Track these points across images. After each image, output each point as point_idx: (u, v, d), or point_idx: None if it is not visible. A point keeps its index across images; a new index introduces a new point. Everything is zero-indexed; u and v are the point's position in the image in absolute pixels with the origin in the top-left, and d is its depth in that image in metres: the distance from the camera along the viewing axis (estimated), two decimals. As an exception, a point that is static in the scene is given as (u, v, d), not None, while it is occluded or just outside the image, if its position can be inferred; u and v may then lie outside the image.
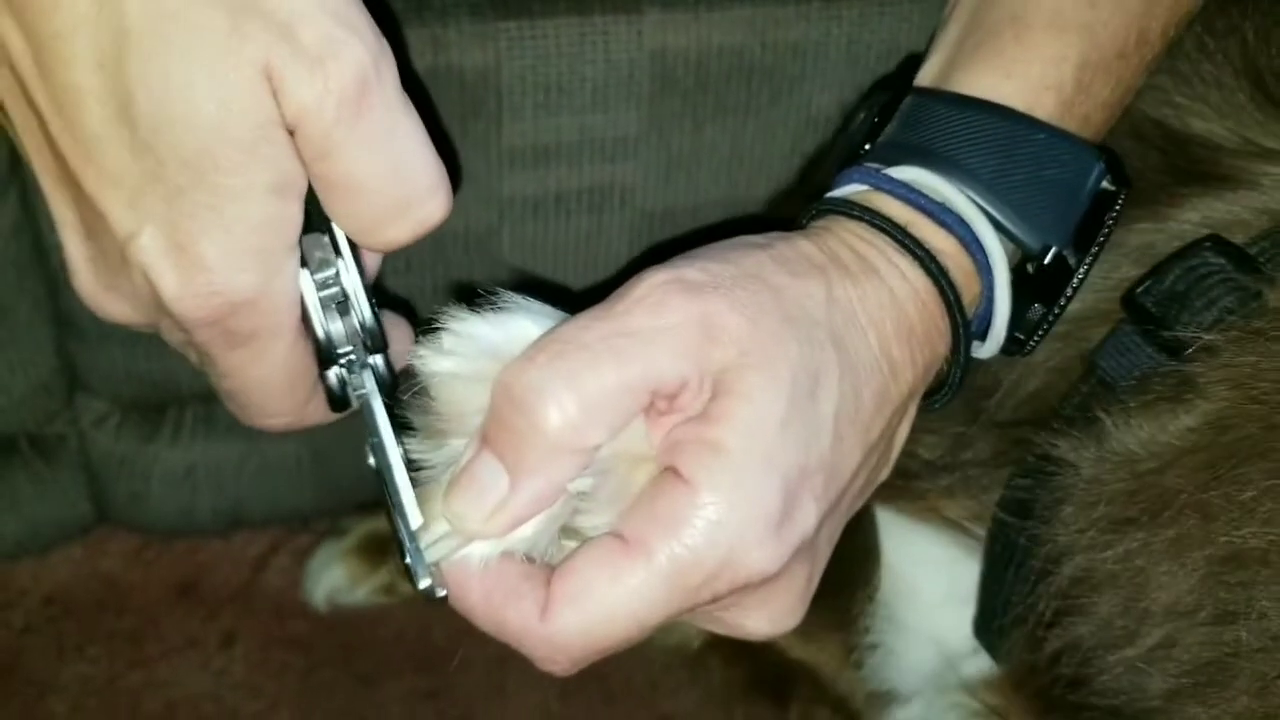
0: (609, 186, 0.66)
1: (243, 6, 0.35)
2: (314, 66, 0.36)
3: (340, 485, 0.80)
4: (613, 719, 0.82)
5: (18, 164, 0.61)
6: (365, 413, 0.41)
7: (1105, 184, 0.45)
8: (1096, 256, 0.44)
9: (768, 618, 0.40)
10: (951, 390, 0.45)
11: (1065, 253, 0.44)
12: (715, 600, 0.38)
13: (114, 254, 0.39)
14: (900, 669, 0.58)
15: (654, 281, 0.38)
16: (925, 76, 0.47)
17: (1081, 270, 0.44)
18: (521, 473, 0.37)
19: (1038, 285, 0.45)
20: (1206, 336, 0.45)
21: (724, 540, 0.37)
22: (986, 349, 0.46)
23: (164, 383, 0.71)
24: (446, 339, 0.39)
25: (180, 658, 0.80)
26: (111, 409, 0.74)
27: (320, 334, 0.40)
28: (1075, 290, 0.45)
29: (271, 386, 0.42)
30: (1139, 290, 0.47)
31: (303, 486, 0.79)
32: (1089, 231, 0.44)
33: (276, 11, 0.36)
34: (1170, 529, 0.43)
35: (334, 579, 0.83)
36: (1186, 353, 0.45)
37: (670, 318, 0.37)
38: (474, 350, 0.39)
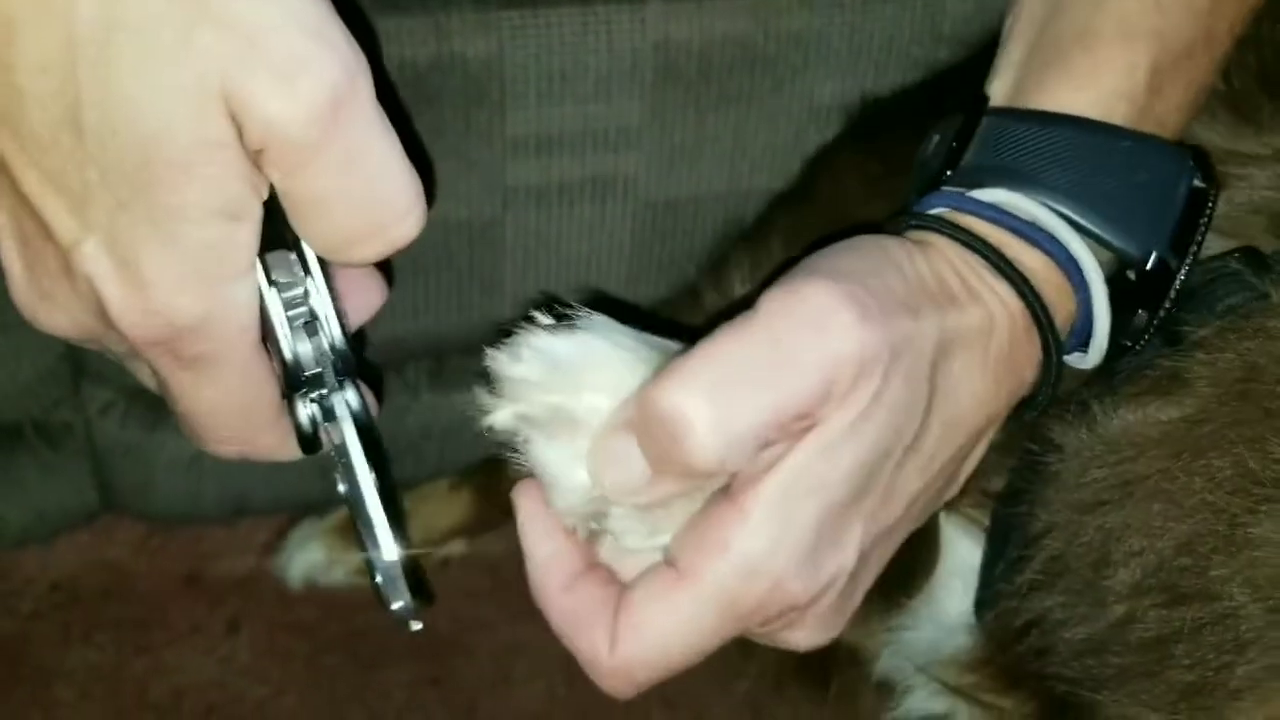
0: (612, 176, 0.66)
1: (199, 18, 0.33)
2: (281, 83, 0.34)
3: (344, 473, 0.80)
4: (615, 708, 0.82)
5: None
6: (337, 436, 0.40)
7: (1196, 182, 0.45)
8: (1195, 256, 0.44)
9: (809, 633, 0.41)
10: (1040, 406, 0.45)
11: (1166, 256, 0.43)
12: (766, 624, 0.40)
13: (54, 262, 0.37)
14: (907, 653, 0.59)
15: (822, 300, 0.37)
16: (996, 98, 0.47)
17: (1183, 272, 0.44)
18: (660, 474, 0.38)
19: (1140, 291, 0.44)
20: (1200, 331, 0.45)
21: (772, 569, 0.38)
22: (1090, 359, 0.46)
23: (169, 371, 0.71)
24: (523, 349, 0.39)
25: (186, 644, 0.81)
26: (117, 396, 0.75)
27: (288, 355, 0.38)
28: (1178, 294, 0.44)
29: (223, 412, 0.40)
30: None
31: (308, 474, 0.80)
32: (1185, 232, 0.44)
33: (239, 24, 0.34)
34: (1137, 512, 0.44)
35: (311, 557, 0.84)
36: (1180, 346, 0.45)
37: (835, 345, 0.37)
38: (547, 363, 0.39)
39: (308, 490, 0.81)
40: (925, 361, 0.39)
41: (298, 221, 0.37)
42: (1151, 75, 0.45)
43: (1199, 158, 0.45)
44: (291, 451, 0.42)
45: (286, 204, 0.37)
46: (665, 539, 0.40)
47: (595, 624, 0.39)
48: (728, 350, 0.37)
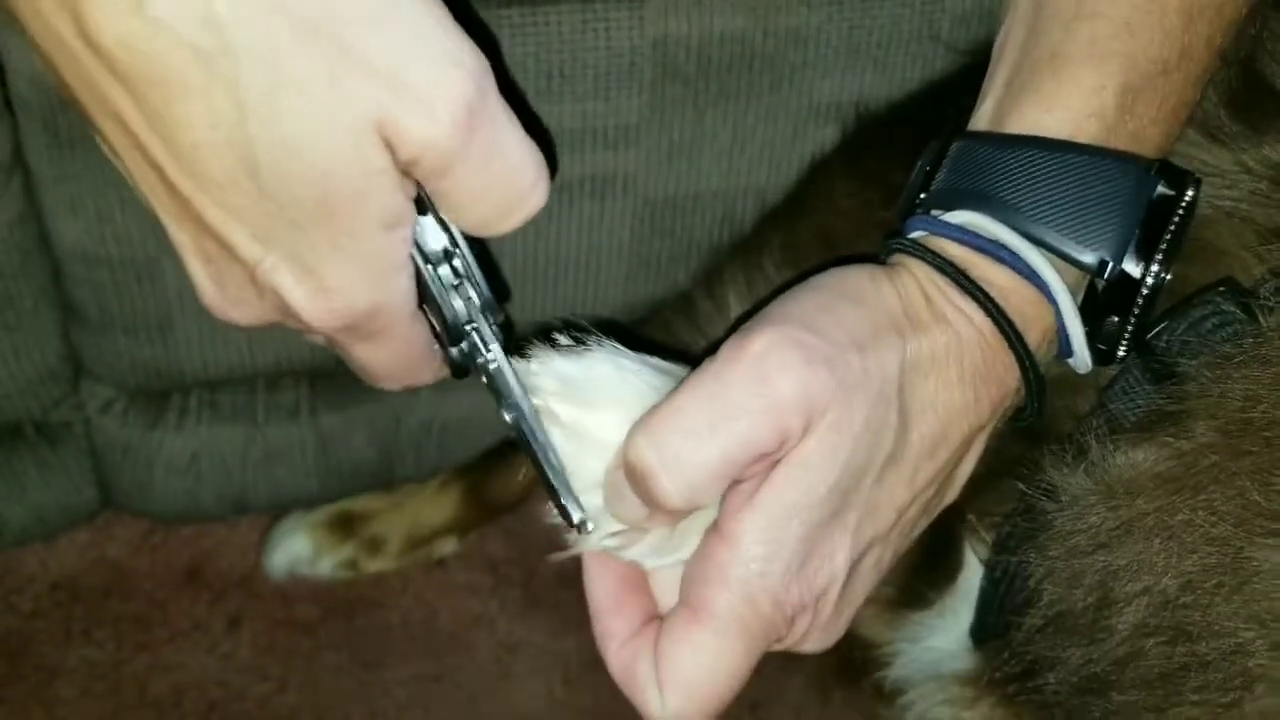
0: (611, 173, 0.66)
1: (346, 66, 0.37)
2: (423, 109, 0.38)
3: (344, 470, 0.80)
4: (615, 705, 0.82)
5: (21, 153, 0.61)
6: (497, 378, 0.45)
7: (1162, 190, 0.46)
8: (1166, 261, 0.46)
9: (816, 637, 0.45)
10: (1032, 412, 0.47)
11: (1125, 264, 0.45)
12: (781, 639, 0.44)
13: (240, 274, 0.41)
14: (917, 663, 0.60)
15: (760, 350, 0.42)
16: (980, 118, 0.49)
17: (1150, 278, 0.46)
18: (654, 513, 0.43)
19: (1110, 299, 0.47)
20: (1193, 365, 0.46)
21: (770, 588, 0.42)
22: (1079, 364, 0.48)
23: (168, 369, 0.71)
24: (532, 366, 0.45)
25: (187, 642, 0.81)
26: (116, 395, 0.75)
27: (449, 316, 0.44)
28: (1149, 297, 0.46)
29: (393, 365, 0.46)
30: (1152, 335, 0.48)
31: (307, 472, 0.80)
32: (1151, 240, 0.46)
33: (380, 65, 0.37)
34: (1138, 551, 0.46)
35: (297, 548, 0.84)
36: (1174, 382, 0.47)
37: (775, 393, 0.41)
38: (553, 384, 0.45)
39: (306, 488, 0.81)
40: (890, 385, 0.43)
41: (445, 208, 0.42)
42: (1121, 95, 0.46)
43: (1170, 168, 0.47)
44: (444, 375, 0.48)
45: (436, 198, 0.41)
46: (685, 554, 0.44)
47: (645, 677, 0.44)
48: (683, 403, 0.42)
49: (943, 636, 0.58)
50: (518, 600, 0.86)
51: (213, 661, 0.80)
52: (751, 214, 0.70)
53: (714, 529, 0.43)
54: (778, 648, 0.45)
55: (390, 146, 0.39)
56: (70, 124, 0.60)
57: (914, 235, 0.47)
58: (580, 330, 0.46)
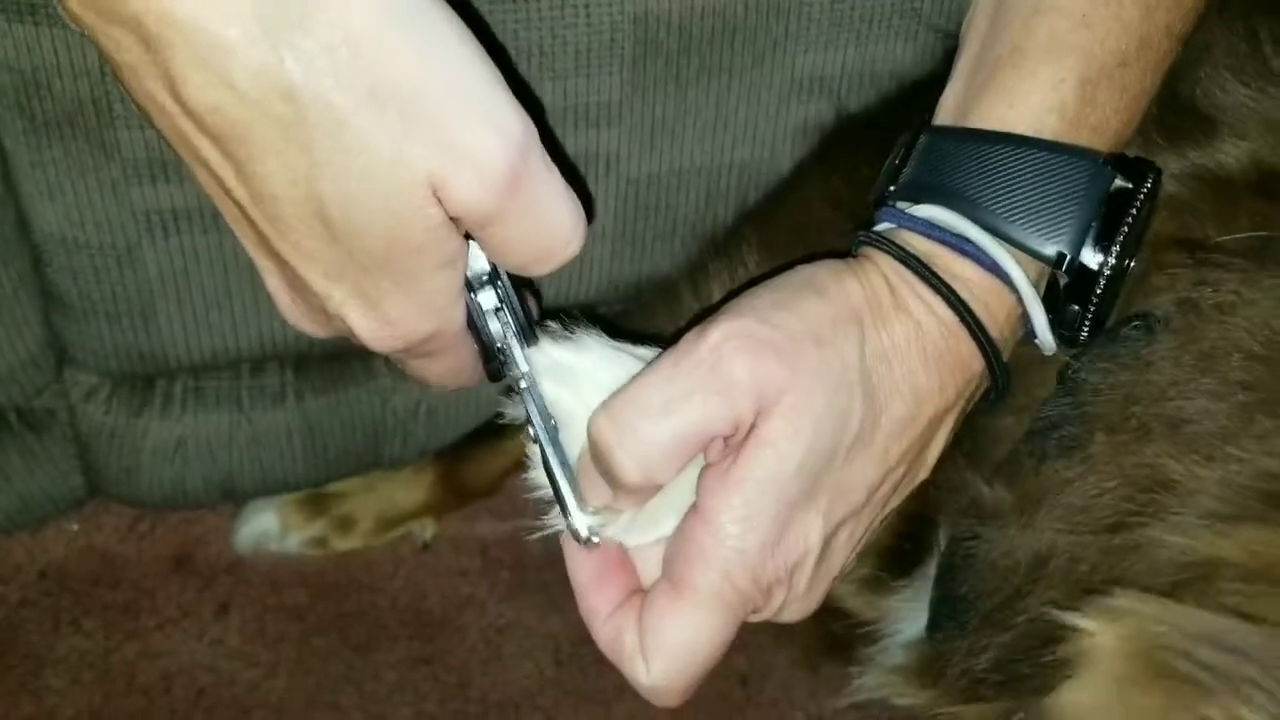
0: (593, 152, 0.66)
1: (409, 134, 0.41)
2: (473, 171, 0.42)
3: (330, 455, 0.80)
4: (605, 684, 0.83)
5: (-2, 139, 0.61)
6: (523, 398, 0.50)
7: (1119, 183, 0.48)
8: (1124, 252, 0.48)
9: (793, 608, 0.48)
10: (997, 395, 0.50)
11: (1083, 255, 0.48)
12: (758, 610, 0.47)
13: (313, 300, 0.46)
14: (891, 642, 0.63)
15: (718, 338, 0.45)
16: (944, 110, 0.51)
17: (1107, 269, 0.48)
18: (617, 490, 0.47)
19: (1070, 287, 0.49)
20: (1091, 378, 0.51)
21: (747, 563, 0.45)
22: (1044, 347, 0.50)
23: (151, 355, 0.71)
24: (529, 351, 0.49)
25: (176, 629, 0.81)
26: (101, 382, 0.74)
27: (485, 339, 0.49)
28: (1107, 286, 0.49)
29: (445, 375, 0.51)
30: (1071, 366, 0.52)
31: (293, 457, 0.80)
32: (1108, 231, 0.48)
33: (433, 129, 0.41)
34: (1047, 571, 0.50)
35: (265, 524, 0.85)
36: (1078, 397, 0.51)
37: (727, 377, 0.45)
38: (546, 367, 0.49)
39: (293, 474, 0.81)
40: (852, 372, 0.46)
41: (489, 252, 0.46)
42: (1080, 88, 0.48)
43: (1128, 162, 0.49)
44: (481, 381, 0.53)
45: (481, 244, 0.46)
46: (664, 531, 0.47)
47: (631, 647, 0.46)
48: (641, 385, 0.46)
49: (911, 621, 0.60)
50: (507, 582, 0.86)
51: (202, 648, 0.80)
52: (735, 190, 0.70)
53: (693, 509, 0.46)
54: (756, 618, 0.47)
55: (441, 201, 0.42)
56: (47, 109, 0.59)
57: (882, 227, 0.49)
58: (572, 318, 0.50)
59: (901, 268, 0.48)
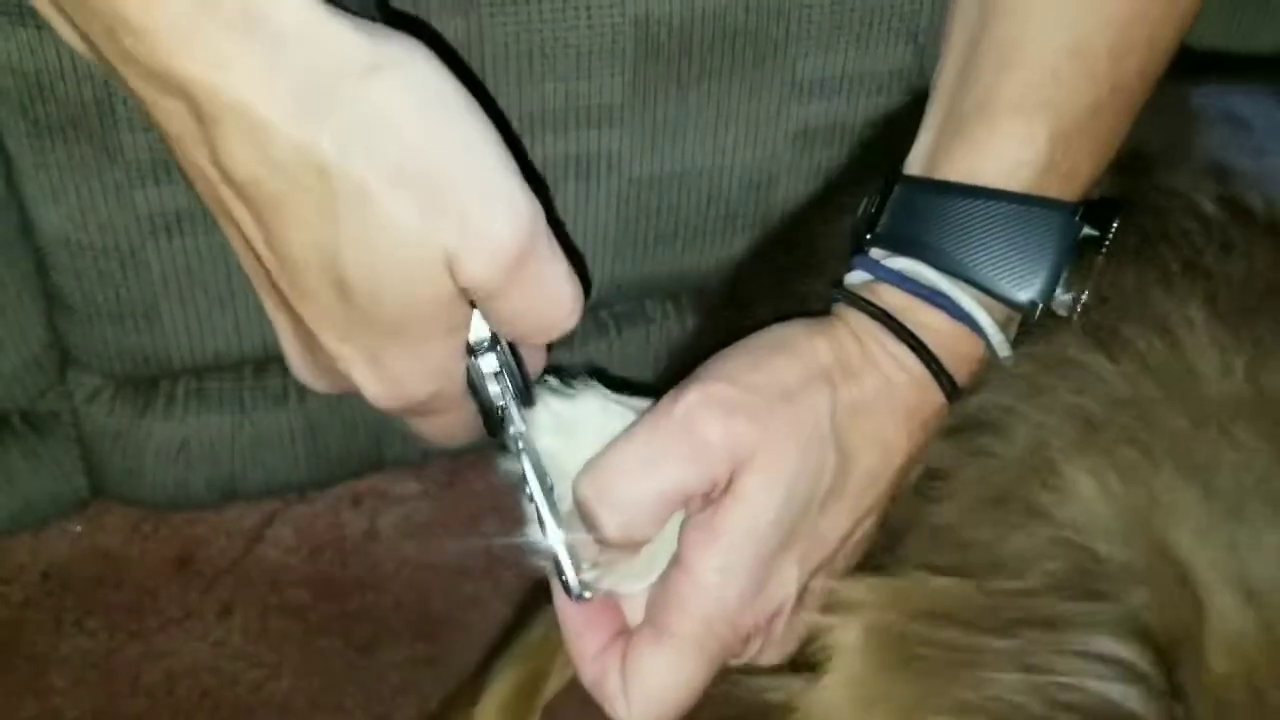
0: (595, 153, 0.66)
1: (428, 209, 0.43)
2: (482, 247, 0.44)
3: (332, 455, 0.80)
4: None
5: (1, 140, 0.61)
6: (523, 459, 0.51)
7: (1087, 231, 0.50)
8: (1084, 294, 0.50)
9: (771, 653, 0.50)
10: None
11: (1053, 302, 0.50)
12: (734, 655, 0.49)
13: (324, 357, 0.48)
14: None
15: (691, 403, 0.48)
16: (914, 160, 0.53)
17: (1076, 313, 0.50)
18: (602, 546, 0.49)
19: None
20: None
21: (725, 613, 0.47)
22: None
23: (154, 357, 0.71)
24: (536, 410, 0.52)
25: (179, 629, 0.80)
26: (104, 384, 0.74)
27: (484, 401, 0.51)
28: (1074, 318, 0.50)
29: (446, 434, 0.53)
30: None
31: (296, 457, 0.80)
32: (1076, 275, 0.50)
33: (451, 207, 0.44)
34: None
35: None
36: None
37: (701, 439, 0.47)
38: (547, 420, 0.51)
39: (296, 474, 0.81)
40: (823, 428, 0.48)
41: (492, 322, 0.49)
42: (1052, 141, 0.50)
43: (1094, 210, 0.50)
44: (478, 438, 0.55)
45: (484, 314, 0.48)
46: (650, 580, 0.50)
47: (615, 686, 0.49)
48: (622, 447, 0.48)
49: None
50: (512, 581, 0.86)
51: (205, 649, 0.80)
52: (737, 191, 0.70)
53: (675, 559, 0.48)
54: (735, 663, 0.50)
55: (451, 274, 0.45)
56: (50, 112, 0.59)
57: (858, 278, 0.52)
58: (571, 374, 0.53)
59: (873, 324, 0.50)
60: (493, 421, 0.52)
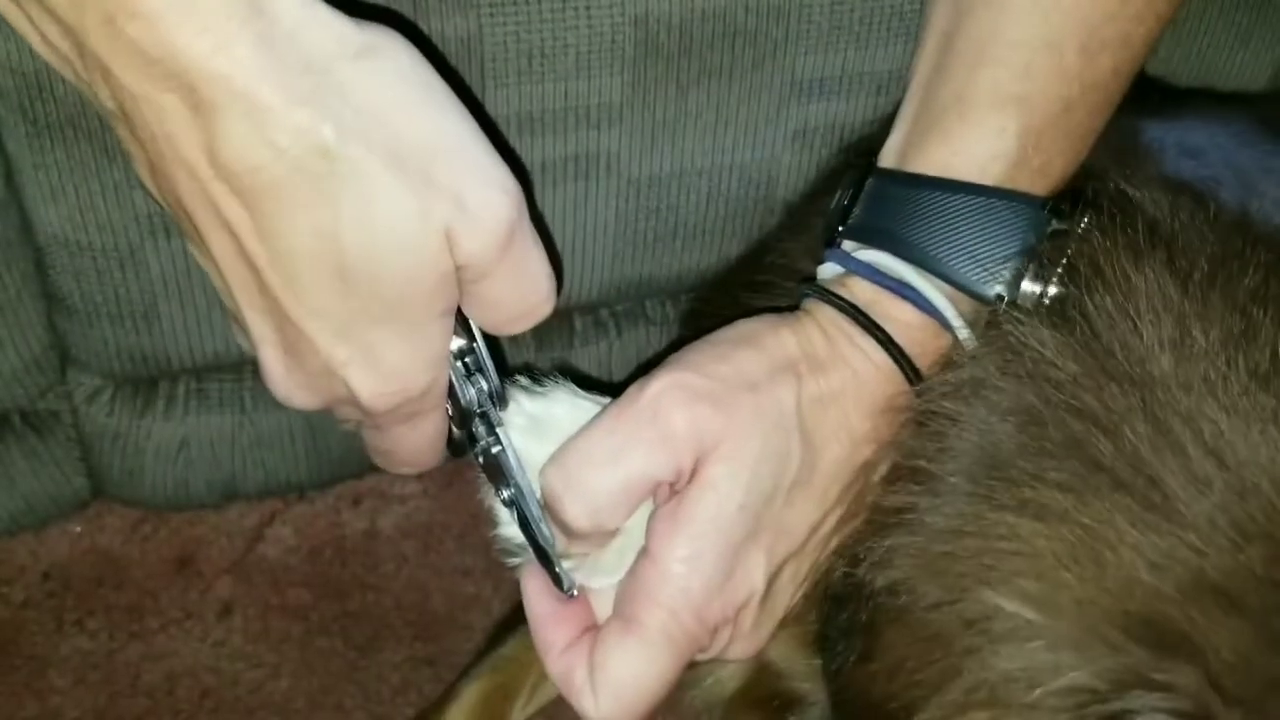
0: (594, 153, 0.66)
1: (428, 184, 0.44)
2: (479, 226, 0.45)
3: (333, 455, 0.80)
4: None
5: (0, 142, 0.61)
6: (500, 460, 0.52)
7: (1055, 225, 0.50)
8: (1051, 286, 0.50)
9: (740, 646, 0.51)
10: None
11: (1020, 295, 0.50)
12: (703, 648, 0.49)
13: (314, 363, 0.48)
14: None
15: (656, 391, 0.48)
16: (888, 154, 0.53)
17: (1045, 300, 0.50)
18: (569, 537, 0.50)
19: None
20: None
21: (693, 603, 0.48)
22: None
23: (154, 357, 0.71)
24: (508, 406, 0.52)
25: (179, 629, 0.81)
26: (104, 384, 0.74)
27: (464, 400, 0.51)
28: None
29: (420, 448, 0.53)
30: None
31: (296, 457, 0.80)
32: (1044, 268, 0.50)
33: (450, 185, 0.45)
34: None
35: None
36: None
37: (666, 427, 0.48)
38: (520, 420, 0.52)
39: (296, 473, 0.81)
40: (788, 418, 0.49)
41: (471, 309, 0.49)
42: (1023, 136, 0.50)
43: (1064, 202, 0.51)
44: (441, 461, 0.55)
45: (466, 299, 0.48)
46: (617, 576, 0.50)
47: (581, 679, 0.49)
48: (587, 437, 0.49)
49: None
50: (511, 581, 0.86)
51: (205, 649, 0.80)
52: (736, 191, 0.70)
53: (643, 551, 0.49)
54: (703, 657, 0.50)
55: (450, 255, 0.46)
56: (49, 112, 0.59)
57: (828, 270, 0.52)
58: (542, 372, 0.54)
59: (841, 318, 0.50)
60: (465, 428, 0.52)
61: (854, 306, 0.50)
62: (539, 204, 0.67)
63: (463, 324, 0.50)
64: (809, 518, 0.50)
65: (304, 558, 0.84)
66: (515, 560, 0.53)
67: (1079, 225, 0.50)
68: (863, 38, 0.65)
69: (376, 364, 0.47)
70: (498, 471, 0.52)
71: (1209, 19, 0.74)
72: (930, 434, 0.49)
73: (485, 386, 0.52)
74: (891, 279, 0.51)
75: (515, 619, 0.74)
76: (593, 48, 0.62)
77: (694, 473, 0.48)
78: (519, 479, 0.51)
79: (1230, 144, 0.63)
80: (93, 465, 0.78)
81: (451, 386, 0.51)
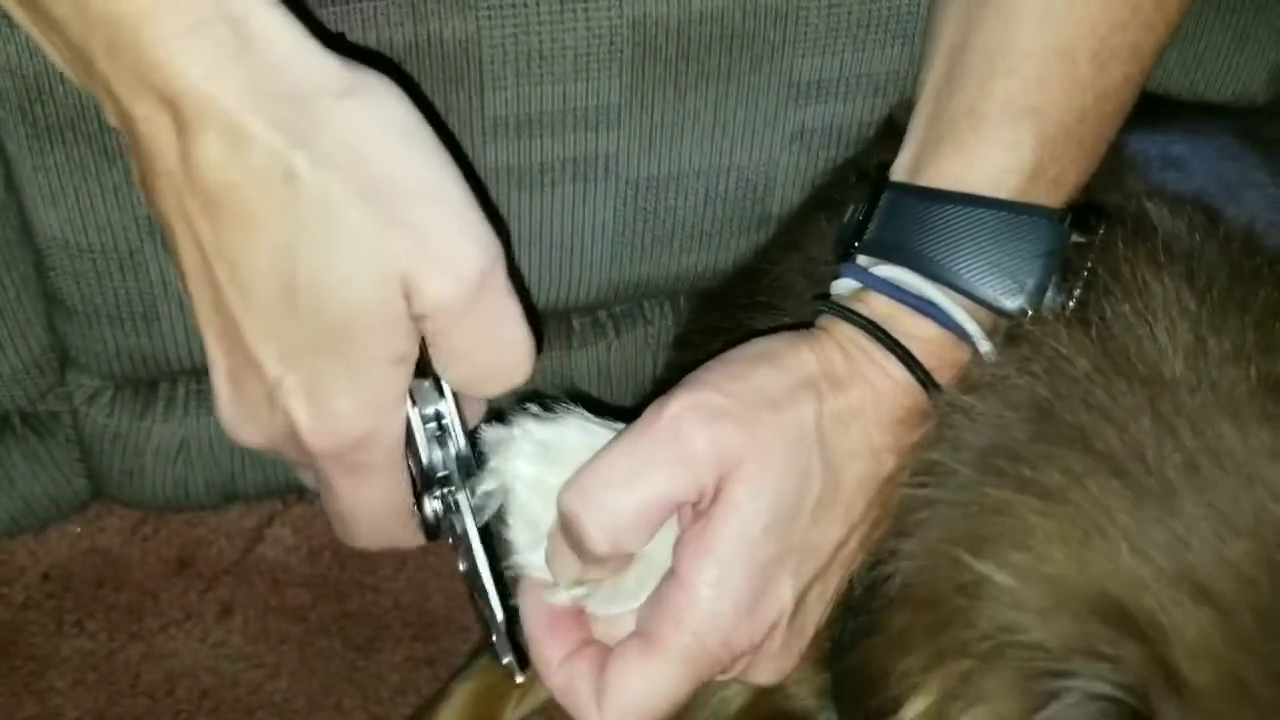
0: (592, 155, 0.66)
1: (392, 224, 0.44)
2: (445, 272, 0.45)
3: (332, 457, 0.80)
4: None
5: (1, 144, 0.61)
6: (458, 524, 0.51)
7: (1075, 238, 0.50)
8: (1074, 299, 0.50)
9: (766, 669, 0.50)
10: None
11: (1041, 307, 0.49)
12: (725, 671, 0.48)
13: (258, 394, 0.47)
14: None
15: (675, 411, 0.47)
16: (900, 168, 0.53)
17: (1066, 312, 0.50)
18: (585, 560, 0.48)
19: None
20: None
21: (719, 627, 0.47)
22: None
23: (154, 358, 0.71)
24: (514, 432, 0.51)
25: (179, 630, 0.81)
26: (104, 385, 0.75)
27: (425, 460, 0.50)
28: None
29: (373, 509, 0.51)
30: None
31: (295, 459, 0.80)
32: (1065, 280, 0.50)
33: (420, 229, 0.45)
34: None
35: None
36: None
37: (687, 446, 0.47)
38: (529, 448, 0.50)
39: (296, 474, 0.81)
40: (809, 436, 0.48)
41: (441, 364, 0.48)
42: (1038, 147, 0.50)
43: (1082, 214, 0.50)
44: (419, 540, 0.53)
45: (434, 351, 0.48)
46: (635, 603, 0.49)
47: (585, 693, 0.48)
48: (606, 458, 0.48)
49: None
50: (510, 582, 0.86)
51: (205, 649, 0.80)
52: (734, 193, 0.70)
53: (669, 573, 0.48)
54: (724, 678, 0.49)
55: (409, 298, 0.45)
56: (49, 114, 0.59)
57: (845, 286, 0.52)
58: (552, 399, 0.52)
59: (860, 335, 0.50)
60: (431, 524, 0.51)
61: (873, 323, 0.50)
62: (537, 205, 0.68)
63: (438, 386, 0.49)
64: (834, 536, 0.49)
65: (303, 558, 0.84)
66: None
67: (1098, 236, 0.50)
68: (860, 40, 0.65)
69: (318, 398, 0.47)
70: (462, 542, 0.51)
71: (1205, 23, 0.74)
72: (945, 427, 0.49)
73: (453, 451, 0.50)
74: (911, 295, 0.50)
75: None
76: (591, 50, 0.62)
77: (717, 494, 0.47)
78: (476, 554, 0.50)
79: (1213, 156, 0.64)
80: (93, 466, 0.78)
81: (415, 444, 0.50)
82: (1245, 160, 0.65)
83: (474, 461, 0.51)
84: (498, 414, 0.52)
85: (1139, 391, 0.47)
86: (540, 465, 0.50)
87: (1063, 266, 0.50)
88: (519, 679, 0.51)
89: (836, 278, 0.52)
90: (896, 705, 0.47)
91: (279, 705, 0.79)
